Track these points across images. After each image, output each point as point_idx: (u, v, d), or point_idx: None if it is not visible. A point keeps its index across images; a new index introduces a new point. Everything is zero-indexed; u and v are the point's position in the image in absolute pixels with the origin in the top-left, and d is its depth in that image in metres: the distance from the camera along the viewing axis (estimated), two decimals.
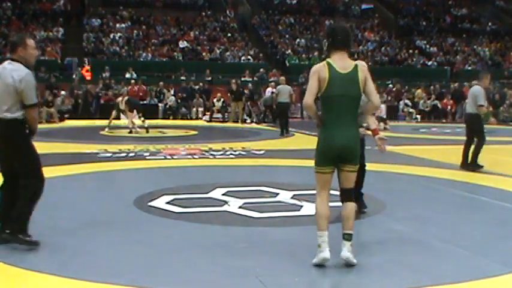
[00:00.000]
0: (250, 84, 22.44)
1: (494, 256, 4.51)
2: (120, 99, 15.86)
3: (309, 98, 4.15)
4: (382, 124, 17.81)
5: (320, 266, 4.13)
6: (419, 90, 24.18)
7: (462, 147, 9.40)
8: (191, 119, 21.80)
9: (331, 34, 4.26)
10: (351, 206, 4.24)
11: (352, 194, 4.29)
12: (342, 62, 4.14)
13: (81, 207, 6.24)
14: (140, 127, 15.41)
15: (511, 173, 8.79)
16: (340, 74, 4.10)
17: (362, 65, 4.22)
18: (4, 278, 3.97)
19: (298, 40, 29.26)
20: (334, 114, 4.13)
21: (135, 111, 15.50)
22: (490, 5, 35.89)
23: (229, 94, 20.82)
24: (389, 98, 24.19)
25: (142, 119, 15.43)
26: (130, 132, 15.12)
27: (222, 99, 21.28)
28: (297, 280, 3.97)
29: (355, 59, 4.42)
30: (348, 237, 4.18)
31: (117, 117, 16.28)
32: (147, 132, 15.24)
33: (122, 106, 15.43)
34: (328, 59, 4.18)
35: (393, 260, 4.43)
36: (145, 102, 22.06)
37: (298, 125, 17.50)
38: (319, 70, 4.14)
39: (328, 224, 4.16)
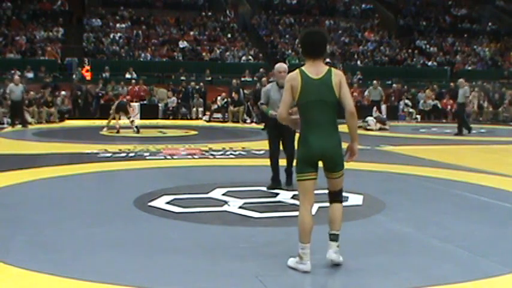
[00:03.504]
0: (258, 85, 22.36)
1: (494, 256, 4.51)
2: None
3: (283, 110, 4.16)
4: (378, 124, 17.80)
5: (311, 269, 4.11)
6: (428, 90, 24.12)
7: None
8: (191, 119, 21.79)
9: (303, 43, 4.19)
10: (338, 207, 4.21)
11: (340, 195, 4.24)
12: (314, 68, 4.09)
13: (81, 207, 6.24)
14: (125, 127, 15.58)
15: (511, 173, 8.80)
16: (313, 79, 4.05)
17: (337, 70, 4.18)
18: (4, 278, 3.97)
19: (298, 40, 29.24)
20: (310, 120, 4.07)
21: (122, 112, 15.79)
22: (490, 5, 35.88)
23: (229, 99, 20.83)
24: (392, 98, 24.18)
25: (131, 119, 15.72)
26: (118, 132, 15.23)
27: (225, 99, 21.24)
28: (296, 280, 3.97)
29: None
30: (334, 237, 4.16)
31: (114, 118, 16.29)
32: (138, 132, 15.29)
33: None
34: (301, 67, 4.14)
35: (393, 260, 4.43)
36: (145, 102, 22.11)
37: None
38: (292, 79, 4.10)
39: (311, 236, 4.12)
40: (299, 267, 4.10)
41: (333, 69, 4.14)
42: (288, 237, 4.92)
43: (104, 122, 16.43)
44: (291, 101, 4.13)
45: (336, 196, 4.22)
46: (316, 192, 4.25)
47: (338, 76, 4.10)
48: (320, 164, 4.16)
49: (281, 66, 7.37)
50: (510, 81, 27.10)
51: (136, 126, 15.59)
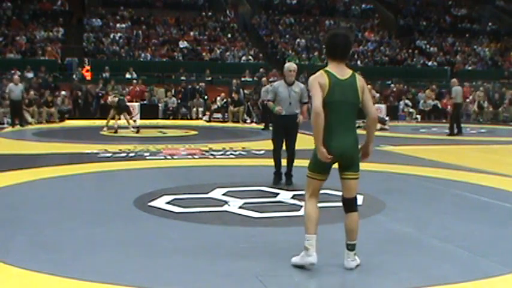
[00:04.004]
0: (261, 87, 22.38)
1: (494, 256, 4.51)
2: (111, 99, 16.19)
3: (318, 103, 3.96)
4: (379, 124, 17.81)
5: (306, 267, 4.11)
6: (428, 91, 24.11)
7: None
8: (191, 119, 21.80)
9: (328, 45, 4.17)
10: (355, 217, 4.18)
11: (355, 203, 4.22)
12: (339, 70, 4.10)
13: (81, 207, 6.24)
14: (130, 127, 15.68)
15: (511, 173, 8.80)
16: (340, 80, 4.06)
17: (360, 76, 4.20)
18: (4, 278, 3.97)
19: (298, 40, 29.26)
20: (332, 120, 4.05)
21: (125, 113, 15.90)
22: (490, 5, 35.89)
23: (229, 99, 20.86)
24: (390, 98, 24.18)
25: (134, 119, 15.83)
26: (116, 132, 15.27)
27: (224, 99, 21.27)
28: (297, 280, 3.97)
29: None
30: (351, 247, 4.16)
31: (113, 117, 16.34)
32: (138, 132, 15.38)
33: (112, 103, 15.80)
34: (325, 68, 4.13)
35: (393, 260, 4.43)
36: (145, 102, 22.12)
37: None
38: (318, 78, 4.06)
39: (317, 227, 4.12)
40: (305, 260, 4.09)
41: (356, 73, 4.17)
42: (288, 237, 4.92)
43: (104, 122, 16.43)
44: (322, 95, 4.03)
45: (351, 206, 4.20)
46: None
47: (361, 81, 4.15)
48: (335, 165, 4.15)
49: (291, 65, 7.61)
50: (510, 81, 27.09)
51: (137, 126, 15.66)
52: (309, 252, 4.09)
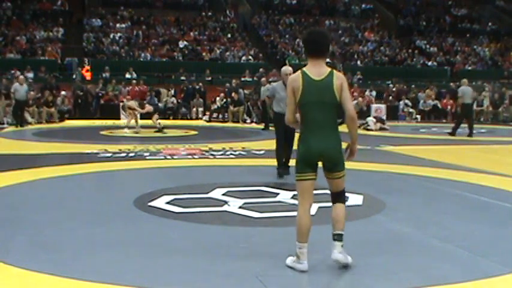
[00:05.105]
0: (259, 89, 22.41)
1: (494, 256, 4.51)
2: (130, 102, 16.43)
3: (289, 115, 4.18)
4: (378, 124, 17.82)
5: (311, 268, 4.11)
6: (428, 91, 24.10)
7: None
8: (191, 119, 21.80)
9: (306, 41, 4.18)
10: (341, 207, 4.19)
11: (343, 195, 4.24)
12: (316, 69, 4.09)
13: (81, 207, 6.24)
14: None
15: (511, 173, 8.80)
16: (314, 80, 4.06)
17: (339, 74, 4.17)
18: (4, 278, 3.97)
19: (298, 40, 29.24)
20: (310, 121, 4.07)
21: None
22: (490, 5, 35.88)
23: (229, 99, 20.86)
24: (390, 98, 24.18)
25: (158, 121, 16.01)
26: (159, 131, 15.60)
27: (224, 99, 21.28)
28: (296, 280, 3.97)
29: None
30: (338, 237, 4.13)
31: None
32: (162, 132, 15.65)
33: (136, 107, 16.01)
34: (303, 68, 4.15)
35: (393, 260, 4.43)
36: (145, 102, 22.09)
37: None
38: (293, 81, 4.12)
39: (308, 235, 4.12)
40: (297, 267, 4.11)
41: (335, 72, 4.14)
42: (288, 237, 4.91)
43: (105, 122, 16.43)
44: (295, 105, 4.12)
45: (338, 197, 4.22)
46: (316, 192, 4.25)
47: (340, 79, 4.10)
48: (320, 164, 4.16)
49: (287, 69, 8.15)
50: (510, 81, 27.09)
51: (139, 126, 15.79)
52: (300, 260, 4.11)
